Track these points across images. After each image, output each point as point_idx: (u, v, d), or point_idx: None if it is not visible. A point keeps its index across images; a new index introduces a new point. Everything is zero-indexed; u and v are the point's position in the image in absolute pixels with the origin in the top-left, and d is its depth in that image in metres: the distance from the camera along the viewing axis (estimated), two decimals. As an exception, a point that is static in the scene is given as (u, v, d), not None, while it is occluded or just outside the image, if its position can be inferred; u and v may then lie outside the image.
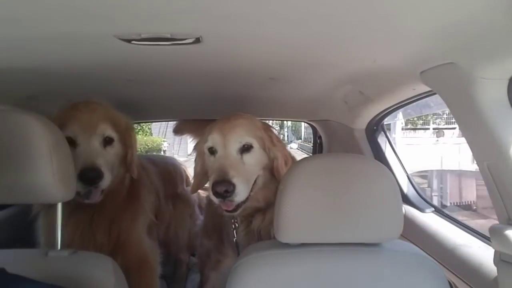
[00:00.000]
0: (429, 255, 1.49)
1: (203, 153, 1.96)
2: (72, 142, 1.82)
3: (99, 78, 1.87)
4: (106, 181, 1.83)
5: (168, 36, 1.22)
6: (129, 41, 1.25)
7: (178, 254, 2.95)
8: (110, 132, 1.95)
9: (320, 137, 3.43)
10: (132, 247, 2.06)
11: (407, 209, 2.38)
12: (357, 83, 2.00)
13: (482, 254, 1.75)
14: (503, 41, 1.04)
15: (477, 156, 1.33)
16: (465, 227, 2.10)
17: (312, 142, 4.07)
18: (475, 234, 1.99)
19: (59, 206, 1.48)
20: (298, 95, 2.48)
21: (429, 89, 1.65)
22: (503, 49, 1.07)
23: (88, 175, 1.76)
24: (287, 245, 1.41)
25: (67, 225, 1.85)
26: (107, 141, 1.94)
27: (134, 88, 2.13)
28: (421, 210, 2.40)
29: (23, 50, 1.37)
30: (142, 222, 2.16)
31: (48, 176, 1.34)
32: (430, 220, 2.27)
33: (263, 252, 1.41)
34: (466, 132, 1.35)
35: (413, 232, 2.18)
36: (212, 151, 1.88)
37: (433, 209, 2.41)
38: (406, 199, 2.45)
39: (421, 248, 1.58)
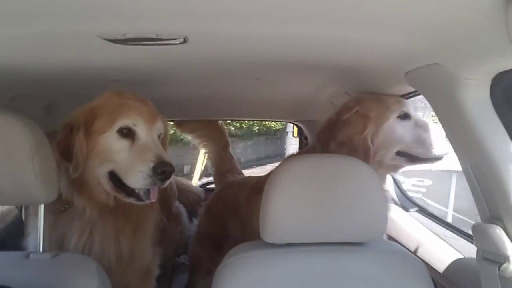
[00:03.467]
0: (413, 253, 1.51)
1: None
2: (126, 134, 1.66)
3: (84, 78, 1.85)
4: (170, 179, 1.67)
5: (154, 36, 1.21)
6: (113, 41, 1.24)
7: (164, 260, 2.92)
8: (163, 128, 1.81)
9: (306, 138, 3.46)
10: (142, 256, 1.93)
11: (391, 208, 2.40)
12: (342, 83, 2.02)
13: (465, 252, 1.78)
14: (487, 42, 1.05)
15: (461, 156, 1.35)
16: (449, 226, 2.13)
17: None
18: (458, 232, 2.02)
19: (42, 207, 1.45)
20: (284, 95, 2.48)
21: (413, 89, 1.67)
22: (486, 50, 1.09)
23: (167, 169, 1.59)
24: (273, 245, 1.41)
25: (93, 234, 1.74)
26: (158, 137, 1.78)
27: (120, 89, 2.10)
28: (406, 209, 2.43)
29: (5, 49, 1.35)
30: (155, 229, 2.03)
31: (30, 178, 1.31)
32: (414, 219, 2.30)
33: (249, 253, 1.41)
34: (449, 132, 1.37)
35: (398, 231, 2.21)
36: None
37: (417, 208, 2.44)
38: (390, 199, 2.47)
39: (405, 247, 1.60)
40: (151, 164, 1.58)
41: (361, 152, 1.74)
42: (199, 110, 2.78)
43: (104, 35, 1.20)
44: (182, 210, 3.12)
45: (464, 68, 1.16)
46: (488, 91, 1.21)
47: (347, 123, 1.81)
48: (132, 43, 1.25)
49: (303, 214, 1.34)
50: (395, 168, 1.91)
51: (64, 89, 2.06)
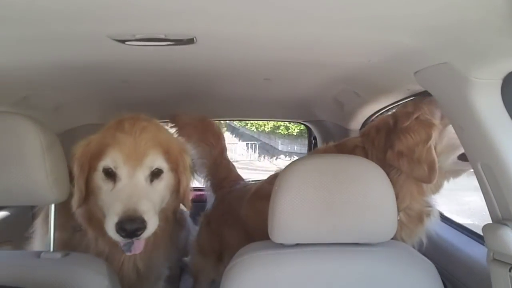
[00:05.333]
0: (422, 254, 1.50)
1: None
2: (111, 174, 1.53)
3: (93, 78, 1.86)
4: (150, 230, 1.47)
5: (163, 36, 1.21)
6: (123, 41, 1.24)
7: (171, 263, 2.91)
8: (160, 162, 1.58)
9: (314, 138, 3.44)
10: (157, 267, 1.91)
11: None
12: (351, 83, 2.01)
13: (475, 253, 1.76)
14: (496, 42, 1.04)
15: (471, 156, 1.34)
16: (459, 227, 2.11)
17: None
18: (468, 233, 2.00)
19: (52, 207, 1.47)
20: (293, 95, 2.48)
21: (423, 89, 1.65)
22: (496, 50, 1.07)
23: (128, 228, 1.41)
24: (282, 246, 1.41)
25: (113, 253, 1.66)
26: (155, 174, 1.58)
27: (129, 89, 2.12)
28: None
29: (16, 50, 1.36)
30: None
31: (41, 178, 1.33)
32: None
33: (258, 253, 1.41)
34: (460, 132, 1.36)
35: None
36: None
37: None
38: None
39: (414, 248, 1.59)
40: (115, 219, 1.41)
41: (425, 164, 1.63)
42: (207, 110, 2.78)
43: (114, 36, 1.21)
44: (186, 215, 3.09)
45: (474, 68, 1.15)
46: (499, 91, 1.19)
47: (407, 131, 1.68)
48: (141, 43, 1.25)
49: (312, 214, 1.34)
50: (456, 173, 1.78)
51: (74, 90, 2.08)
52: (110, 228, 1.43)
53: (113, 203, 1.46)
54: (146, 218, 1.44)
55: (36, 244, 1.85)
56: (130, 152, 1.52)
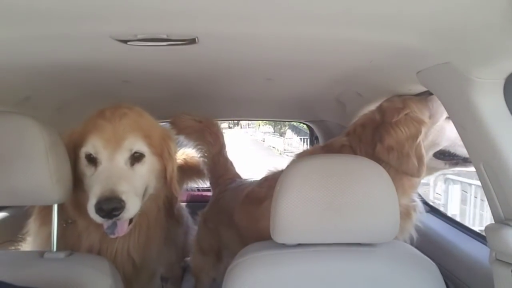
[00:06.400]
0: (425, 254, 1.50)
1: None
2: (93, 160, 1.58)
3: (95, 78, 1.86)
4: (131, 211, 1.50)
5: (164, 36, 1.21)
6: (125, 41, 1.25)
7: (172, 261, 2.92)
8: (140, 146, 1.62)
9: (317, 138, 3.44)
10: (152, 260, 1.94)
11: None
12: (353, 83, 2.01)
13: (478, 253, 1.76)
14: (499, 41, 1.04)
15: (473, 156, 1.34)
16: (461, 227, 2.11)
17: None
18: (470, 234, 1.99)
19: (55, 207, 1.47)
20: (295, 95, 2.48)
21: (425, 89, 1.66)
22: (498, 50, 1.07)
23: (104, 207, 1.44)
24: (284, 246, 1.41)
25: (101, 253, 1.69)
26: (136, 158, 1.62)
27: (130, 89, 2.12)
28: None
29: (18, 50, 1.36)
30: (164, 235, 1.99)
31: (45, 178, 1.34)
32: (425, 220, 2.27)
33: (260, 253, 1.41)
34: (462, 132, 1.36)
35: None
36: None
37: (429, 209, 2.41)
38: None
39: (416, 248, 1.59)
40: (94, 200, 1.45)
41: (414, 158, 1.66)
42: (209, 110, 2.78)
43: (116, 36, 1.21)
44: (184, 212, 3.10)
45: (476, 68, 1.15)
46: (502, 90, 1.19)
47: (397, 125, 1.71)
48: (143, 43, 1.26)
49: (314, 214, 1.34)
50: (429, 171, 1.82)
51: (76, 90, 2.08)
52: (90, 209, 1.46)
53: (93, 186, 1.51)
54: (124, 198, 1.47)
55: (32, 243, 1.85)
56: (109, 137, 1.57)
